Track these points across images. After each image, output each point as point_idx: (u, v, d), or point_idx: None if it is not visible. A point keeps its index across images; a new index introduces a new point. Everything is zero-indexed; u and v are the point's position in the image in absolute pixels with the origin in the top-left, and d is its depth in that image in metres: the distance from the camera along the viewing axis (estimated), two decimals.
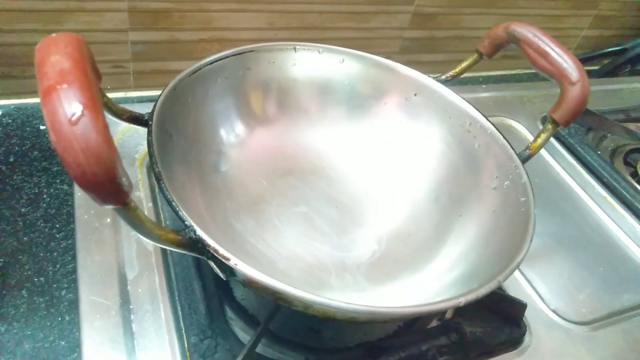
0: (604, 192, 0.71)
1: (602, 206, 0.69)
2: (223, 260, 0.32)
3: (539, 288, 0.56)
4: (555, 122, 0.48)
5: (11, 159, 0.55)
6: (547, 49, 0.47)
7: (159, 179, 0.36)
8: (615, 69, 1.02)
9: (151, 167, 0.37)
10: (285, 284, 0.31)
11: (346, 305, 0.32)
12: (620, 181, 0.71)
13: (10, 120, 0.60)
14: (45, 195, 0.53)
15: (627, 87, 0.96)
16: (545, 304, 0.54)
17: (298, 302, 0.32)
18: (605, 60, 1.03)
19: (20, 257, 0.47)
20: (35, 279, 0.46)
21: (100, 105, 0.25)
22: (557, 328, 0.52)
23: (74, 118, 0.23)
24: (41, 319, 0.43)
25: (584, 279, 0.59)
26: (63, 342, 0.42)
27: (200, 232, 0.33)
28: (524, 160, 0.48)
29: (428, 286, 0.44)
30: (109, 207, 0.27)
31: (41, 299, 0.44)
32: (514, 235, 0.42)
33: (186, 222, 0.33)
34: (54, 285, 0.45)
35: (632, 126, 0.80)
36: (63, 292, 0.45)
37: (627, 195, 0.69)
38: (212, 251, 0.32)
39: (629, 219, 0.68)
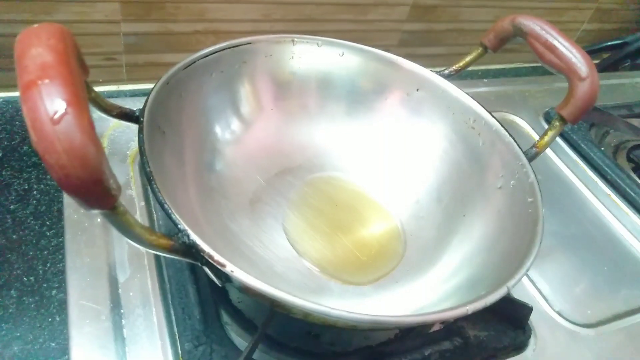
0: (608, 190, 0.69)
1: (606, 204, 0.68)
2: (218, 266, 0.30)
3: (542, 289, 0.55)
4: (563, 119, 0.47)
5: None
6: (555, 42, 0.46)
7: (150, 179, 0.34)
8: (615, 63, 1.01)
9: (142, 166, 0.36)
10: (283, 290, 0.30)
11: (348, 315, 0.30)
12: (624, 178, 0.70)
13: None
14: (35, 192, 0.51)
15: (629, 82, 0.95)
16: (550, 305, 0.53)
17: (297, 310, 0.31)
18: (605, 55, 1.02)
19: (9, 255, 0.46)
20: (25, 279, 0.44)
21: (85, 102, 0.23)
22: (562, 330, 0.51)
23: (56, 116, 0.22)
24: (31, 320, 0.42)
25: (588, 279, 0.58)
26: (53, 344, 0.41)
27: (194, 237, 0.31)
28: (531, 158, 0.46)
29: (431, 290, 0.43)
30: (96, 211, 0.25)
31: (31, 299, 0.43)
32: (521, 237, 0.40)
33: (179, 226, 0.32)
34: (44, 285, 0.44)
35: (635, 122, 0.79)
36: (53, 292, 0.44)
37: (631, 193, 0.68)
38: (206, 257, 0.31)
39: (633, 216, 0.66)
